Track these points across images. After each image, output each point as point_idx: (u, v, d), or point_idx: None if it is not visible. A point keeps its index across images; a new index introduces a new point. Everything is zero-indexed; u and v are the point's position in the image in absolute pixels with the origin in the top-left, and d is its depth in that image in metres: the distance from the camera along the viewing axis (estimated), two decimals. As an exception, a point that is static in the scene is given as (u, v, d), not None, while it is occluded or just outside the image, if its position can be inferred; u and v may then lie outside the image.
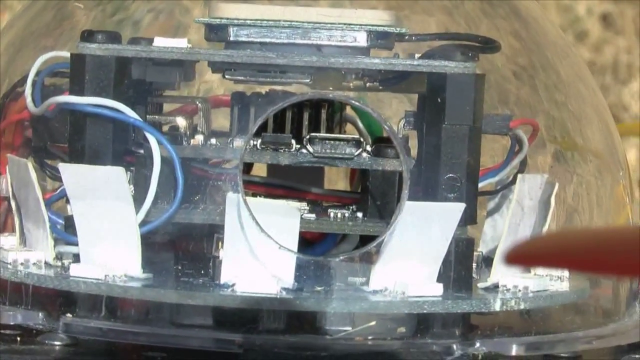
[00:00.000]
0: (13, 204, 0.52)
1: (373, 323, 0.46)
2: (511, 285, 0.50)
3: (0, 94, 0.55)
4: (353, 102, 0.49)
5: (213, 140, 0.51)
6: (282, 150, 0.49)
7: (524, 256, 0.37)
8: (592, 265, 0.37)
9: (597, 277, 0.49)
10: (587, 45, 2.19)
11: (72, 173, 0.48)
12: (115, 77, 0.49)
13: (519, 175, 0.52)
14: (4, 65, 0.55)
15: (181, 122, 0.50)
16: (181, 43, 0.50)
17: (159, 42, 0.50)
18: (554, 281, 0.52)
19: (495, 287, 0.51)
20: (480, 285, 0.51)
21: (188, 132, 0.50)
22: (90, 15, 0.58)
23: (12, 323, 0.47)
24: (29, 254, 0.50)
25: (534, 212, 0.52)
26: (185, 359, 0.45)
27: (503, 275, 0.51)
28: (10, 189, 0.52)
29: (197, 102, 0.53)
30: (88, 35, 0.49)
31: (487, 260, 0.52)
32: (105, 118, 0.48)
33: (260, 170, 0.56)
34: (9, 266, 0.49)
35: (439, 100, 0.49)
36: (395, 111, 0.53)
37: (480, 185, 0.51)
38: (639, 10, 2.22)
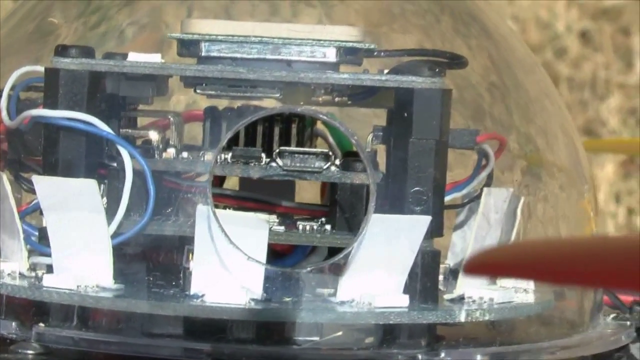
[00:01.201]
0: None
1: (340, 333, 0.47)
2: (477, 296, 0.51)
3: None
4: (322, 116, 0.50)
5: (185, 154, 0.51)
6: (252, 164, 0.50)
7: (482, 266, 0.39)
8: (549, 275, 0.38)
9: (556, 287, 0.50)
10: (567, 62, 2.20)
11: (45, 185, 0.48)
12: (88, 91, 0.50)
13: (485, 189, 0.53)
14: None
15: (154, 135, 0.51)
16: (154, 58, 0.51)
17: (133, 57, 0.51)
18: (519, 293, 0.52)
19: (461, 299, 0.51)
20: (446, 296, 0.52)
21: (160, 146, 0.51)
22: (72, 28, 0.58)
23: None
24: (4, 265, 0.51)
25: (500, 224, 0.53)
26: None
27: (469, 287, 0.52)
28: None
29: (170, 117, 0.53)
30: (62, 50, 0.50)
31: (454, 272, 0.53)
32: (78, 131, 0.49)
33: (233, 184, 0.56)
34: None
35: (407, 114, 0.49)
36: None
37: (447, 198, 0.51)
38: (617, 27, 2.22)
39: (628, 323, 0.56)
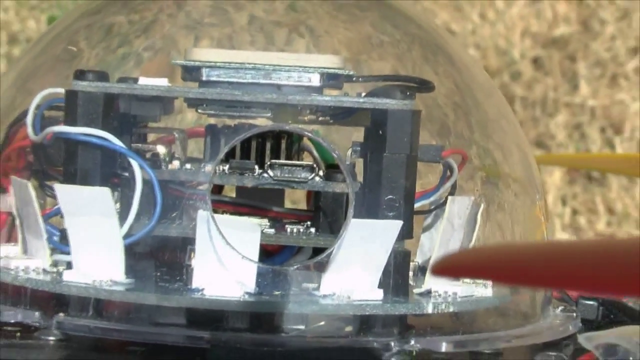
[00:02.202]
0: (17, 218, 0.52)
1: (323, 323, 0.47)
2: (442, 291, 0.51)
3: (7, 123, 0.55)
4: (307, 133, 0.50)
5: (188, 165, 0.51)
6: (246, 174, 0.49)
7: (448, 268, 0.38)
8: (507, 277, 0.38)
9: (514, 287, 0.49)
10: (521, 84, 2.20)
11: (65, 192, 0.48)
12: (103, 111, 0.49)
13: (450, 197, 0.53)
14: (11, 100, 0.56)
15: (161, 149, 0.51)
16: (162, 82, 0.51)
17: (143, 81, 0.51)
18: (479, 287, 0.52)
19: (428, 293, 0.51)
20: (416, 291, 0.52)
21: (167, 158, 0.51)
22: (94, 52, 0.58)
23: (12, 321, 0.47)
24: (29, 262, 0.51)
25: (462, 228, 0.53)
26: (162, 353, 0.46)
27: (435, 282, 0.51)
28: (14, 206, 0.52)
29: (175, 133, 0.53)
30: (80, 74, 0.50)
31: (423, 269, 0.53)
32: (94, 146, 0.49)
33: (230, 192, 0.56)
34: (12, 272, 0.50)
35: (381, 132, 0.49)
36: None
37: (416, 205, 0.51)
38: (564, 54, 2.22)
39: (574, 315, 0.57)
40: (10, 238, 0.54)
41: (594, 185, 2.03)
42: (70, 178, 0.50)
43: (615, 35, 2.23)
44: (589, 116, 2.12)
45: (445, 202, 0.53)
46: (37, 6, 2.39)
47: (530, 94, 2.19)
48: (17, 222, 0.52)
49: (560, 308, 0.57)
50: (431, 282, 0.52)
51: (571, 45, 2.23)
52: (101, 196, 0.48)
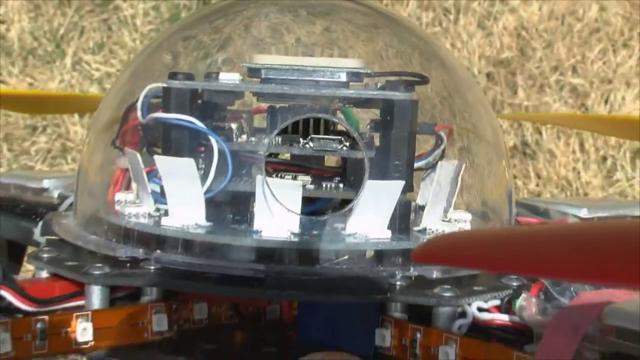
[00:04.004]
0: (131, 176, 0.48)
1: (347, 257, 0.43)
2: (434, 228, 0.47)
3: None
4: (333, 118, 0.47)
5: (253, 138, 0.48)
6: (294, 145, 0.46)
7: (425, 257, 0.32)
8: (478, 265, 0.31)
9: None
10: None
11: (163, 162, 0.45)
12: (190, 101, 0.46)
13: (439, 163, 0.49)
14: (129, 88, 0.53)
15: (233, 125, 0.47)
16: (235, 76, 0.48)
17: (222, 76, 0.48)
18: (460, 224, 0.49)
19: (424, 230, 0.47)
20: (415, 228, 0.47)
21: (237, 132, 0.47)
22: (188, 59, 0.56)
23: (124, 256, 0.43)
24: (138, 209, 0.47)
25: (448, 186, 0.48)
26: (230, 280, 0.42)
27: (429, 222, 0.47)
28: (129, 168, 0.48)
29: (244, 114, 0.50)
30: (172, 75, 0.46)
31: (422, 207, 0.49)
32: (183, 127, 0.45)
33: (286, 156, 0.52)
34: (125, 217, 0.46)
35: (389, 116, 0.45)
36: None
37: (415, 165, 0.48)
38: (508, 71, 2.20)
39: None
40: (127, 187, 0.50)
41: (527, 159, 2.00)
42: (166, 151, 0.46)
43: (542, 58, 2.19)
44: (524, 113, 2.10)
45: (436, 165, 0.49)
46: None
47: (481, 91, 2.17)
48: (132, 178, 0.49)
49: None
50: (426, 221, 0.47)
51: (512, 64, 2.19)
52: (188, 164, 0.44)
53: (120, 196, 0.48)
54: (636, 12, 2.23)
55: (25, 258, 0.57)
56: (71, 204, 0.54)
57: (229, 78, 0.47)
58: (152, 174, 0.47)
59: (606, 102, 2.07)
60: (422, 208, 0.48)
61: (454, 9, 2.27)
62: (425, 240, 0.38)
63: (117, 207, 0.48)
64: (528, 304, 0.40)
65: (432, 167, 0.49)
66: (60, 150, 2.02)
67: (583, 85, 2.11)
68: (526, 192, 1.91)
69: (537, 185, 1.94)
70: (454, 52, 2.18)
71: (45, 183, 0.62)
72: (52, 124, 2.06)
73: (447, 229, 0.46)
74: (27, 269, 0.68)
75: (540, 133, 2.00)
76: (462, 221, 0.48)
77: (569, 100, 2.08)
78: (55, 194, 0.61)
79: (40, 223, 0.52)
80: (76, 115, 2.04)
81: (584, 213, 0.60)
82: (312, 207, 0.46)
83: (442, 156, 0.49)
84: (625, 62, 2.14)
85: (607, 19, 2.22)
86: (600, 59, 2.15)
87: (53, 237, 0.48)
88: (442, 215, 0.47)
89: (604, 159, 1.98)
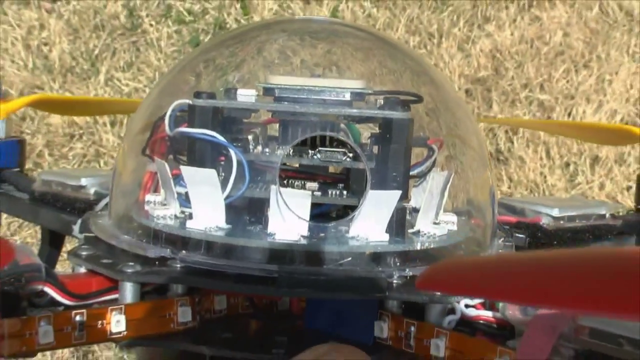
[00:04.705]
0: (160, 182, 0.47)
1: (350, 259, 0.42)
2: (426, 231, 0.46)
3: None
4: (338, 136, 0.46)
5: (267, 150, 0.47)
6: (303, 156, 0.45)
7: (429, 285, 0.31)
8: (486, 293, 0.30)
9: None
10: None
11: (188, 171, 0.44)
12: (212, 117, 0.45)
13: (431, 174, 0.48)
14: (158, 104, 0.51)
15: (250, 138, 0.47)
16: (251, 93, 0.47)
17: (240, 92, 0.47)
18: (448, 225, 0.47)
19: (418, 232, 0.46)
20: (410, 231, 0.46)
21: (253, 144, 0.46)
22: (208, 78, 0.54)
23: (153, 255, 0.42)
24: (166, 211, 0.46)
25: (439, 194, 0.47)
26: (246, 279, 0.41)
27: (422, 224, 0.46)
28: (158, 175, 0.47)
29: (259, 128, 0.49)
30: (197, 94, 0.45)
31: (415, 209, 0.48)
32: (205, 140, 0.44)
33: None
34: (154, 219, 0.45)
35: (388, 132, 0.44)
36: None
37: (411, 172, 0.47)
38: (483, 88, 2.19)
39: (510, 243, 0.50)
40: (156, 189, 0.49)
41: (501, 164, 2.00)
42: (191, 161, 0.45)
43: (514, 77, 2.19)
44: (497, 126, 2.11)
45: (428, 173, 0.48)
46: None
47: (466, 104, 2.17)
48: (161, 184, 0.48)
49: (501, 239, 0.51)
50: (420, 225, 0.46)
51: (488, 82, 2.19)
52: (210, 174, 0.43)
53: (149, 197, 0.48)
54: (595, 37, 2.23)
55: (65, 254, 0.56)
56: (106, 205, 0.53)
57: (246, 94, 0.47)
58: (178, 178, 0.46)
59: (569, 115, 2.07)
60: (415, 210, 0.48)
61: (437, 33, 2.26)
62: (427, 269, 0.37)
63: (146, 208, 0.47)
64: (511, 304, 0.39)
65: (424, 175, 0.48)
66: (94, 155, 2.02)
67: (549, 101, 2.10)
68: (499, 194, 1.91)
69: (509, 187, 1.94)
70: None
71: (83, 181, 0.61)
72: (87, 132, 2.06)
73: (437, 231, 0.45)
74: (67, 250, 0.68)
75: (512, 142, 2.00)
76: (449, 222, 0.47)
77: (537, 113, 2.08)
78: (92, 191, 0.61)
79: (79, 221, 0.51)
80: (108, 125, 2.04)
81: (555, 212, 0.59)
82: (319, 209, 0.45)
83: (433, 165, 0.48)
84: (585, 80, 2.14)
85: (570, 43, 2.22)
86: (564, 77, 2.15)
87: (90, 235, 0.47)
88: (433, 219, 0.46)
89: (567, 164, 1.98)
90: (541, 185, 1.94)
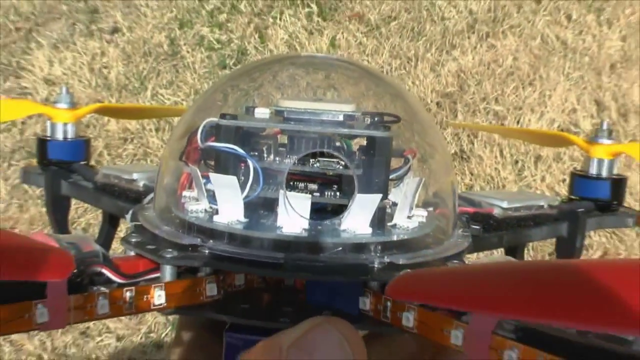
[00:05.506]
0: (194, 181, 0.47)
1: (340, 249, 0.41)
2: (402, 224, 0.45)
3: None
4: (333, 152, 0.45)
5: (277, 158, 0.46)
6: (306, 164, 0.45)
7: (398, 294, 0.30)
8: (453, 303, 0.29)
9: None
10: (430, 115, 2.14)
11: (215, 177, 0.43)
12: (234, 133, 0.44)
13: (405, 179, 0.47)
14: (193, 120, 0.50)
15: (264, 149, 0.46)
16: (266, 111, 0.47)
17: (257, 110, 0.47)
18: (419, 219, 0.46)
19: (395, 226, 0.45)
20: (388, 224, 0.45)
21: (266, 154, 0.46)
22: (233, 97, 0.53)
23: (187, 243, 0.42)
24: (197, 206, 0.45)
25: (412, 195, 0.46)
26: (258, 263, 0.40)
27: (398, 219, 0.45)
28: (192, 177, 0.47)
29: (271, 140, 0.48)
30: (222, 116, 0.45)
31: (395, 204, 0.46)
32: (229, 153, 0.44)
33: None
34: (188, 213, 0.44)
35: (372, 148, 0.44)
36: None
37: (390, 177, 0.46)
38: (450, 101, 2.19)
39: (467, 233, 0.49)
40: (190, 186, 0.48)
41: (464, 161, 1.99)
42: (217, 169, 0.45)
43: (474, 92, 2.18)
44: (461, 131, 2.09)
45: (404, 177, 0.47)
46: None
47: (434, 119, 2.14)
48: (194, 184, 0.47)
49: (460, 230, 0.50)
50: (396, 219, 0.45)
51: (454, 96, 2.18)
52: (232, 180, 0.42)
53: (185, 193, 0.47)
54: (538, 61, 2.22)
55: (121, 233, 0.56)
56: (151, 199, 0.53)
57: (262, 112, 0.46)
58: (207, 180, 0.45)
59: (518, 122, 2.07)
60: (394, 204, 0.47)
61: (414, 57, 2.26)
62: (396, 277, 0.34)
63: (182, 201, 0.46)
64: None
65: (401, 178, 0.48)
66: (143, 154, 2.02)
67: (502, 111, 2.10)
68: (463, 185, 1.90)
69: (470, 180, 1.94)
70: (413, 88, 2.17)
71: (134, 175, 0.61)
72: (137, 136, 2.06)
73: (410, 224, 0.45)
74: (121, 229, 0.68)
75: (472, 143, 2.00)
76: (420, 217, 0.47)
77: (493, 121, 2.07)
78: (141, 184, 0.61)
79: (130, 212, 0.50)
80: (154, 131, 2.04)
81: (504, 204, 0.59)
82: (318, 205, 0.45)
83: (408, 172, 0.48)
84: (530, 95, 2.13)
85: (518, 66, 2.22)
86: (514, 93, 2.14)
87: (138, 224, 0.47)
88: (407, 214, 0.46)
89: (516, 162, 1.97)
90: (496, 178, 1.93)
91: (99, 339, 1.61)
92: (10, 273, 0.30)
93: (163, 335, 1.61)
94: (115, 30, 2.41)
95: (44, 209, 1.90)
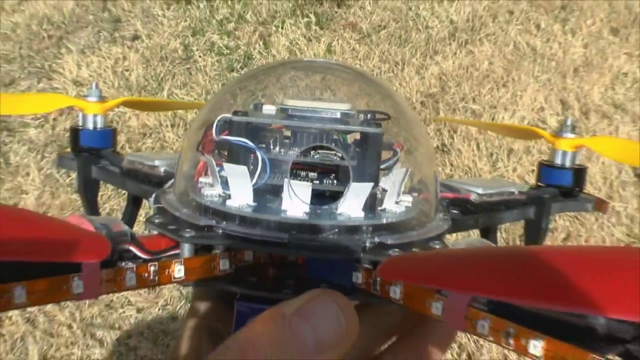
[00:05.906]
0: (209, 169, 0.46)
1: (337, 230, 0.41)
2: (390, 209, 0.45)
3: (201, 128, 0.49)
4: (330, 145, 0.45)
5: (282, 150, 0.46)
6: (307, 156, 0.45)
7: (389, 274, 0.30)
8: (434, 283, 0.29)
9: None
10: (414, 112, 2.13)
11: (228, 166, 0.43)
12: (245, 128, 0.44)
13: (394, 170, 0.46)
14: (208, 115, 0.50)
15: (270, 141, 0.46)
16: (272, 108, 0.46)
17: (265, 107, 0.46)
18: (405, 203, 0.46)
19: (384, 210, 0.45)
20: (379, 208, 0.45)
21: (272, 147, 0.46)
22: (243, 96, 0.52)
23: (203, 224, 0.42)
24: (212, 191, 0.45)
25: (400, 183, 0.46)
26: (265, 242, 0.40)
27: (387, 204, 0.45)
28: (207, 165, 0.47)
29: (277, 134, 0.47)
30: (234, 112, 0.45)
31: (384, 190, 0.46)
32: (240, 145, 0.44)
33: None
34: (204, 197, 0.45)
35: (365, 142, 0.44)
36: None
37: (380, 167, 0.45)
38: (433, 100, 2.18)
39: (447, 217, 0.49)
40: (206, 173, 0.48)
41: (445, 154, 1.99)
42: (230, 159, 0.45)
43: (455, 93, 2.18)
44: (442, 126, 2.09)
45: (393, 168, 0.47)
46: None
47: (419, 117, 2.13)
48: (209, 171, 0.47)
49: (441, 214, 0.49)
50: (386, 204, 0.45)
51: (436, 96, 2.18)
52: (243, 169, 0.42)
53: (202, 179, 0.47)
54: (510, 65, 2.22)
55: (144, 214, 0.56)
56: (172, 184, 0.53)
57: (268, 109, 0.46)
58: (221, 168, 0.45)
59: (492, 119, 2.07)
60: (384, 190, 0.47)
61: (401, 62, 2.26)
62: (385, 260, 0.34)
63: (199, 186, 0.46)
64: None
65: (390, 168, 0.48)
66: (160, 147, 2.02)
67: (479, 110, 2.10)
68: (444, 174, 1.91)
69: (450, 170, 1.94)
70: (401, 89, 2.17)
71: (156, 162, 0.61)
72: (155, 132, 2.05)
73: (398, 209, 0.45)
74: (144, 210, 0.69)
75: (453, 138, 2.00)
76: (407, 202, 0.47)
77: (470, 118, 2.08)
78: (162, 170, 0.61)
79: (153, 195, 0.50)
80: (169, 127, 2.04)
81: (480, 190, 0.59)
82: (318, 191, 0.45)
83: (396, 163, 0.48)
84: (504, 95, 2.14)
85: (493, 69, 2.22)
86: (489, 93, 2.15)
87: (160, 206, 0.47)
88: (395, 200, 0.46)
89: (491, 154, 1.98)
90: (473, 169, 1.94)
91: (121, 310, 1.62)
92: (57, 255, 0.31)
93: (178, 307, 1.62)
94: (135, 37, 2.40)
95: (73, 196, 1.90)
